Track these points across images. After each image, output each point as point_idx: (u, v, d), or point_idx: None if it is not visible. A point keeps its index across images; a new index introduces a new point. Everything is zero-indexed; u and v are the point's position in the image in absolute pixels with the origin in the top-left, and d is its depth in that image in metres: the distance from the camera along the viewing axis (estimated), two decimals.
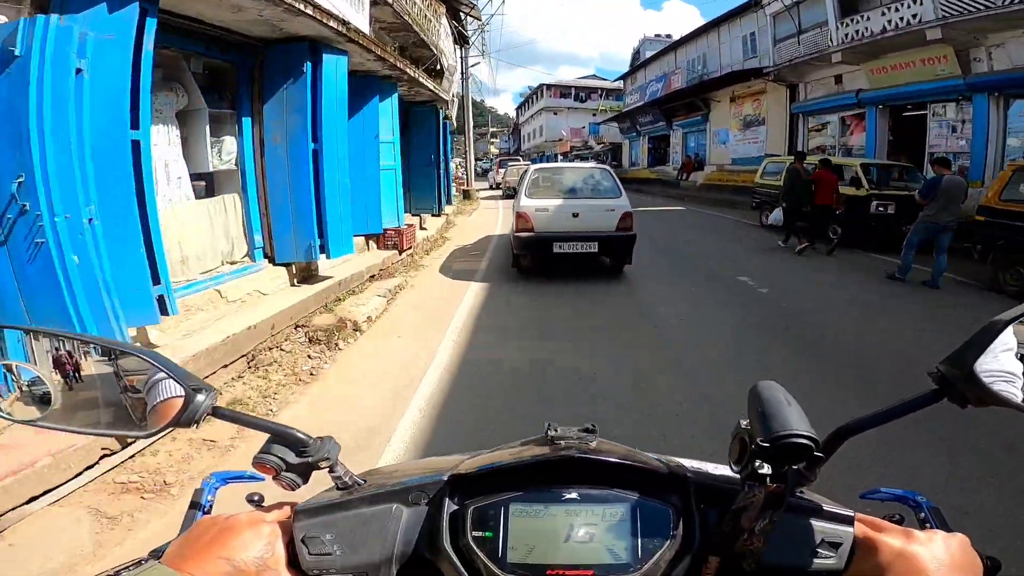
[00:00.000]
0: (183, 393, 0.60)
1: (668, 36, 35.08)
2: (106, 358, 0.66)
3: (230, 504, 0.70)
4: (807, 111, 16.51)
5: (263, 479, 0.67)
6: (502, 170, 25.27)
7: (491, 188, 28.38)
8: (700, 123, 23.40)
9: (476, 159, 66.57)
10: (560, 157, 45.18)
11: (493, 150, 65.63)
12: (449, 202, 16.02)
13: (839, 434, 0.56)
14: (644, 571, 0.56)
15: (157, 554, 0.56)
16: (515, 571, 0.56)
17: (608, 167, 8.68)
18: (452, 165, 19.51)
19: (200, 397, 0.60)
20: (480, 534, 0.58)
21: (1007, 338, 0.53)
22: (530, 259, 7.46)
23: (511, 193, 16.82)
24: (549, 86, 47.44)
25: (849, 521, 0.57)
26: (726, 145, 21.53)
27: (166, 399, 0.60)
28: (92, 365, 0.66)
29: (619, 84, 51.08)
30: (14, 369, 0.66)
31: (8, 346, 0.79)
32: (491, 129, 74.79)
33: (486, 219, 16.00)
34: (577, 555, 0.56)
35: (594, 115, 46.52)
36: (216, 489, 0.75)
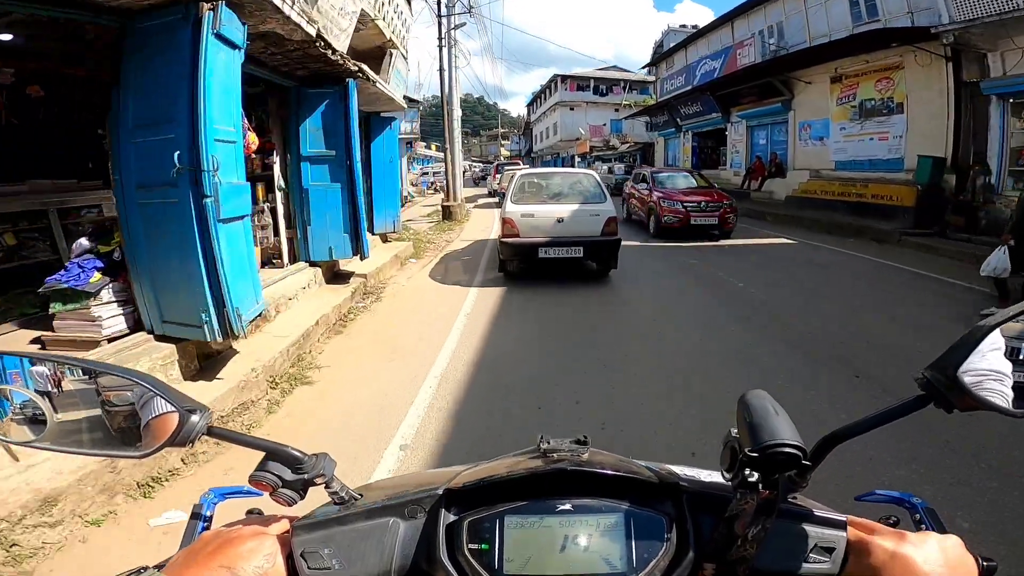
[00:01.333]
0: (177, 414, 0.60)
1: (694, 27, 29.10)
2: (100, 381, 0.66)
3: (229, 520, 0.67)
4: (1007, 91, 9.89)
5: (261, 495, 0.65)
6: (499, 175, 23.69)
7: (489, 196, 26.32)
8: (779, 112, 16.91)
9: (475, 161, 62.23)
10: (578, 160, 39.01)
11: (504, 152, 62.47)
12: (389, 237, 9.90)
13: (827, 442, 0.56)
14: None
15: (160, 567, 0.55)
16: None
17: (594, 172, 8.20)
18: (406, 173, 13.95)
19: (195, 418, 0.60)
20: (476, 546, 0.58)
21: (994, 338, 0.53)
22: (516, 264, 7.33)
23: None
24: (564, 78, 41.12)
25: (842, 526, 0.58)
26: (824, 142, 15.07)
27: (160, 418, 0.60)
28: (87, 387, 0.66)
29: (645, 75, 45.05)
30: (8, 394, 0.67)
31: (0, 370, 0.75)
32: (500, 131, 69.65)
33: (473, 256, 9.78)
34: (573, 565, 0.57)
35: (616, 110, 40.24)
36: (215, 504, 0.73)
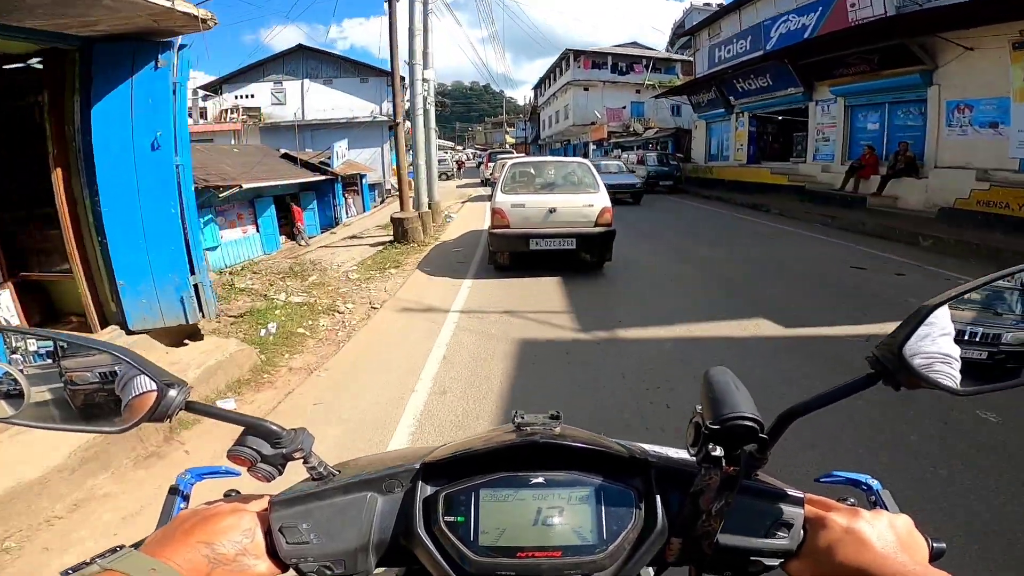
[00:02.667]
0: (155, 389, 0.60)
1: (719, 5, 23.97)
2: (76, 355, 0.66)
3: (206, 500, 0.67)
4: None
5: (239, 474, 0.67)
6: (491, 164, 23.60)
7: (481, 184, 25.92)
8: (912, 87, 11.57)
9: (479, 150, 58.22)
10: (593, 148, 33.56)
11: (509, 140, 58.73)
12: (200, 326, 4.76)
13: (784, 417, 0.58)
14: (609, 552, 0.57)
15: (137, 545, 0.54)
16: (487, 554, 0.57)
17: (587, 161, 7.91)
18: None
19: (172, 392, 0.60)
20: (452, 519, 0.59)
21: (944, 323, 0.55)
22: (507, 256, 7.03)
23: None
24: (578, 54, 35.51)
25: (800, 503, 0.59)
26: (999, 131, 9.79)
27: (139, 395, 0.60)
28: (64, 362, 0.65)
29: (671, 53, 39.51)
30: None
31: None
32: (504, 117, 64.99)
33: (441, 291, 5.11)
34: (546, 537, 0.58)
35: (637, 91, 34.80)
36: (192, 485, 0.71)
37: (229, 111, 26.84)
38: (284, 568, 0.58)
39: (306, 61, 27.55)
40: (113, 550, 0.50)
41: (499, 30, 41.85)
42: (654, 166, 19.47)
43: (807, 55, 13.72)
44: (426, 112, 11.89)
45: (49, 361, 0.66)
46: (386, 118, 27.90)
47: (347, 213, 23.65)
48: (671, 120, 33.44)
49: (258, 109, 27.13)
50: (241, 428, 0.62)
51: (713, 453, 0.54)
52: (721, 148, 20.63)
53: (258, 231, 18.59)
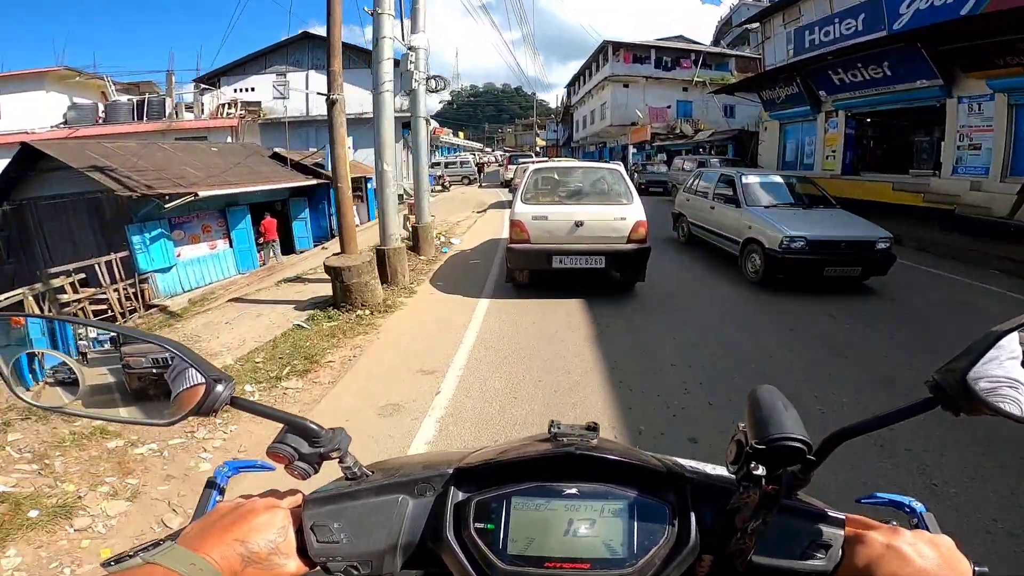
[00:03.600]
0: (204, 383, 0.60)
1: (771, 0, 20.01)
2: (129, 347, 0.67)
3: (242, 492, 0.65)
4: None
5: (274, 468, 0.68)
6: (512, 167, 23.29)
7: (502, 186, 25.75)
8: None
9: (509, 151, 54.79)
10: (633, 151, 29.69)
11: (540, 142, 57.26)
12: None
13: (832, 439, 0.56)
14: (639, 567, 0.56)
15: (174, 537, 0.56)
16: (515, 563, 0.57)
17: (619, 166, 6.79)
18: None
19: (220, 388, 0.60)
20: (482, 526, 0.59)
21: (1013, 346, 0.53)
22: (526, 274, 6.28)
23: None
24: (617, 46, 31.62)
25: (840, 524, 0.58)
26: None
27: (188, 388, 0.61)
28: (116, 353, 0.67)
29: (723, 48, 35.29)
30: (41, 357, 0.71)
31: (32, 334, 0.78)
32: (536, 120, 61.76)
33: None
34: (575, 549, 0.57)
35: (685, 88, 30.83)
36: (228, 477, 0.73)
37: (227, 106, 23.95)
38: (312, 566, 0.58)
39: (312, 51, 24.49)
40: (155, 544, 0.52)
41: (531, 31, 38.04)
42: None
43: (954, 38, 9.73)
44: (413, 95, 8.47)
45: (110, 347, 0.70)
46: (399, 114, 24.69)
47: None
48: (723, 122, 29.46)
49: (258, 104, 24.15)
50: (281, 425, 0.63)
51: (755, 472, 0.53)
52: (801, 154, 16.61)
53: (231, 246, 15.35)
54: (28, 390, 0.64)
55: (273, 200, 16.85)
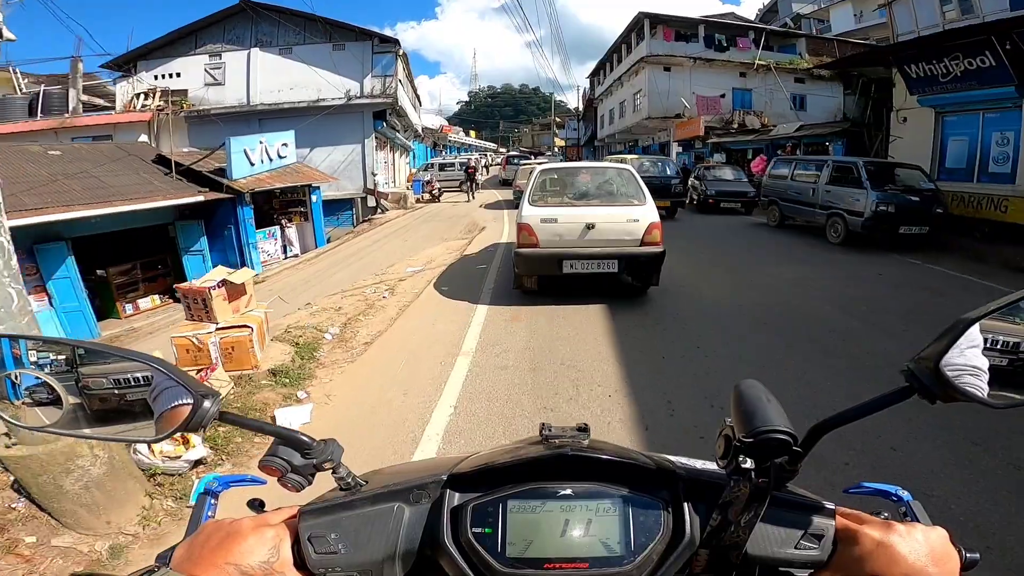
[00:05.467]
0: (191, 400, 0.59)
1: None
2: (110, 364, 0.67)
3: (232, 507, 0.70)
4: None
5: (264, 483, 0.69)
6: (510, 167, 23.78)
7: (501, 184, 25.06)
8: None
9: (526, 152, 50.20)
10: (677, 150, 23.33)
11: (559, 142, 54.63)
12: None
13: (817, 430, 0.57)
14: (637, 563, 0.57)
15: (164, 558, 0.57)
16: (514, 565, 0.57)
17: (630, 167, 6.47)
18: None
19: (207, 403, 0.60)
20: (480, 530, 0.59)
21: (973, 335, 0.55)
22: (535, 280, 6.04)
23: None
24: (656, 20, 25.21)
25: (831, 514, 0.59)
26: None
27: (175, 406, 0.60)
28: (98, 371, 0.67)
29: (789, 25, 28.59)
30: (16, 377, 0.68)
31: (7, 356, 0.76)
32: (554, 119, 56.78)
33: None
34: (573, 549, 0.58)
35: (743, 74, 24.42)
36: (218, 494, 0.73)
37: (142, 96, 18.23)
38: None
39: (256, 25, 18.60)
40: (150, 570, 0.51)
41: (553, 31, 31.69)
42: (894, 194, 9.09)
43: None
44: None
45: (97, 361, 0.67)
46: (369, 100, 18.69)
47: (288, 249, 14.56)
48: (791, 115, 23.02)
49: (184, 92, 18.36)
50: (272, 439, 0.63)
51: (744, 465, 0.55)
52: (984, 158, 10.05)
53: (51, 304, 9.39)
54: (11, 408, 0.64)
55: (146, 226, 10.97)
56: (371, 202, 18.66)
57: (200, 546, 0.54)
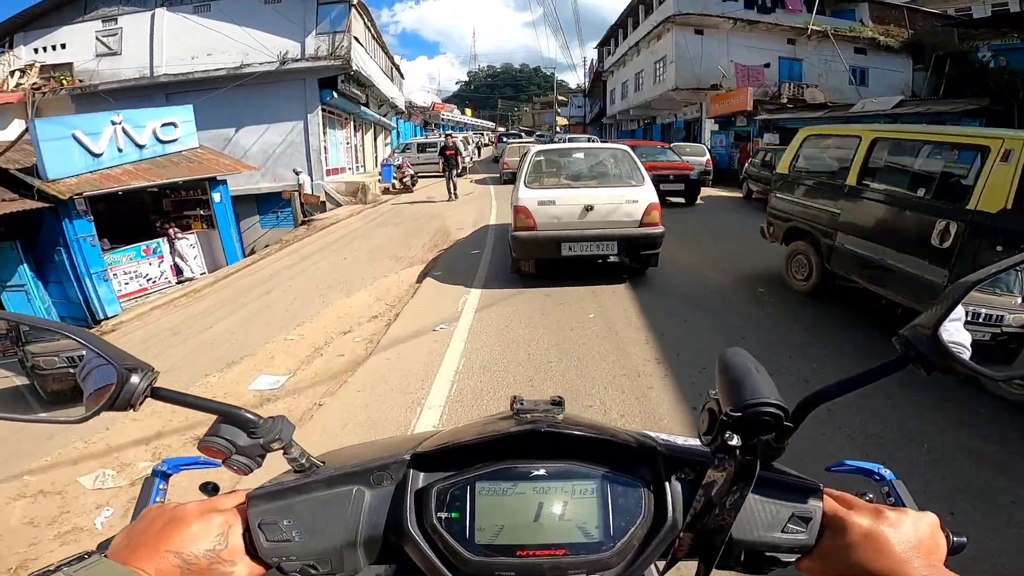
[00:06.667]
0: (115, 376, 0.54)
1: None
2: (41, 339, 0.67)
3: (185, 492, 0.64)
4: None
5: (218, 465, 0.62)
6: (500, 145, 23.17)
7: (494, 161, 23.16)
8: None
9: (527, 132, 46.24)
10: (712, 127, 19.05)
11: (562, 120, 50.96)
12: None
13: (807, 403, 0.54)
14: (617, 549, 0.55)
15: (105, 546, 0.52)
16: (484, 553, 0.54)
17: (627, 146, 6.67)
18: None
19: (135, 379, 0.54)
20: (446, 515, 0.56)
21: (957, 309, 0.52)
22: (532, 264, 5.86)
23: (510, 178, 13.78)
24: None
25: (818, 495, 0.56)
26: None
27: (102, 385, 0.56)
28: (29, 347, 0.68)
29: None
30: None
31: None
32: (557, 97, 53.13)
33: None
34: (548, 534, 0.55)
35: (791, 41, 20.07)
36: (168, 476, 0.68)
37: (20, 73, 13.76)
38: (267, 567, 0.55)
39: None
40: (80, 557, 0.47)
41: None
42: None
43: None
44: None
45: (8, 345, 0.62)
46: (311, 63, 14.08)
47: (183, 271, 10.21)
48: (849, 90, 18.81)
49: (69, 66, 13.88)
50: (214, 417, 0.58)
51: (729, 442, 0.52)
52: None
53: None
54: None
55: None
56: (322, 195, 14.23)
57: (141, 532, 0.51)
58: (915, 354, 0.51)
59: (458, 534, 0.54)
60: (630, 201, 5.42)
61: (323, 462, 0.62)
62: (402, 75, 28.63)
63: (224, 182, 10.57)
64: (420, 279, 6.63)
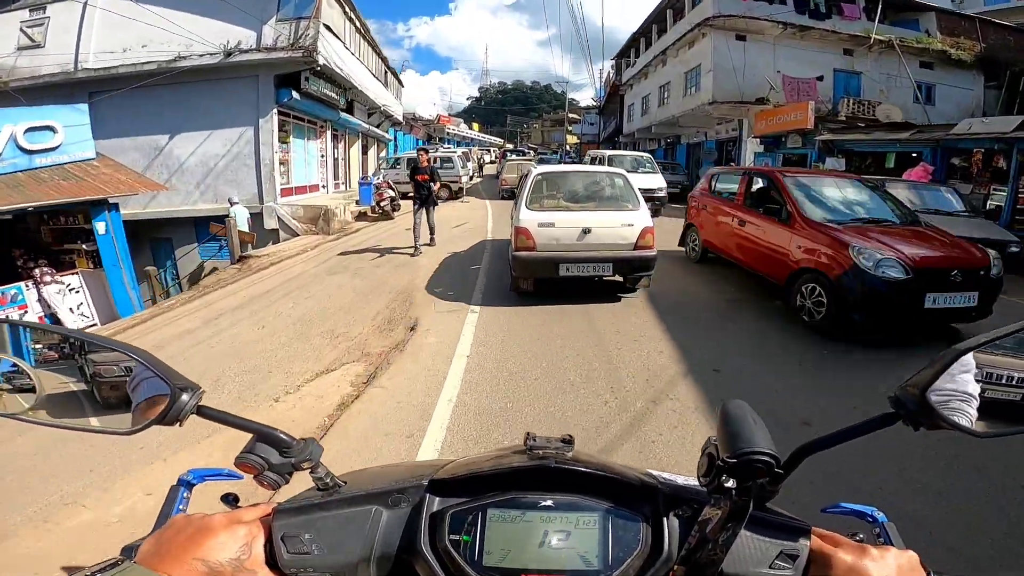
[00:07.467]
0: (168, 391, 0.58)
1: None
2: (90, 353, 0.66)
3: (205, 501, 0.67)
4: None
5: (241, 477, 0.67)
6: (504, 162, 22.67)
7: (495, 178, 23.49)
8: None
9: (536, 150, 43.69)
10: (756, 149, 16.14)
11: (572, 139, 50.62)
12: None
13: (799, 452, 0.58)
14: None
15: (129, 551, 0.56)
16: (490, 574, 0.57)
17: (623, 172, 6.75)
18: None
19: (185, 396, 0.59)
20: (457, 537, 0.59)
21: (966, 360, 0.55)
22: (531, 283, 6.14)
23: (508, 194, 15.07)
24: None
25: (806, 535, 0.60)
26: None
27: (151, 397, 0.59)
28: (77, 360, 0.65)
29: None
30: None
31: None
32: (567, 115, 51.75)
33: None
34: (551, 560, 0.58)
35: (848, 52, 17.16)
36: (192, 486, 0.73)
37: None
38: None
39: None
40: (113, 563, 0.49)
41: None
42: None
43: None
44: None
45: (71, 353, 0.65)
46: (265, 56, 11.33)
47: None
48: (911, 108, 15.94)
49: None
50: (251, 435, 0.62)
51: (726, 484, 0.55)
52: None
53: None
54: None
55: None
56: (274, 220, 11.36)
57: (168, 540, 0.53)
58: (904, 412, 0.55)
59: (467, 556, 0.57)
60: (626, 225, 5.63)
61: (345, 482, 0.66)
62: (400, 82, 26.05)
63: (115, 206, 7.72)
64: (350, 402, 3.71)
